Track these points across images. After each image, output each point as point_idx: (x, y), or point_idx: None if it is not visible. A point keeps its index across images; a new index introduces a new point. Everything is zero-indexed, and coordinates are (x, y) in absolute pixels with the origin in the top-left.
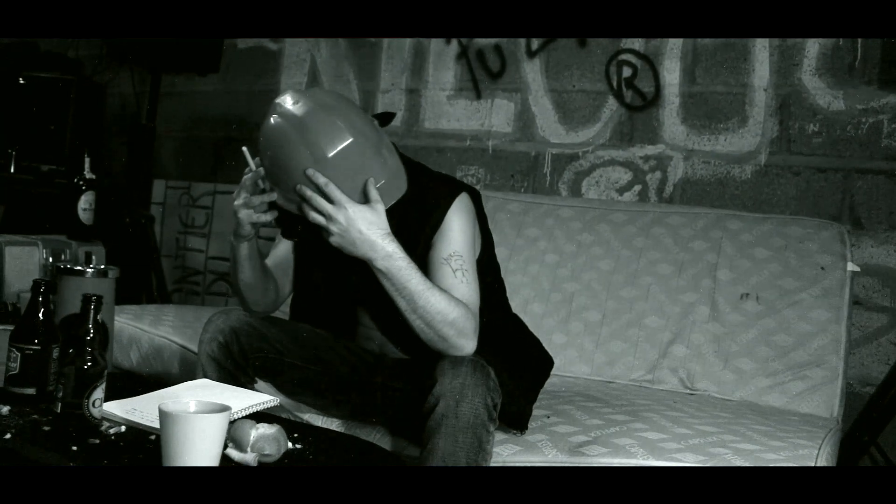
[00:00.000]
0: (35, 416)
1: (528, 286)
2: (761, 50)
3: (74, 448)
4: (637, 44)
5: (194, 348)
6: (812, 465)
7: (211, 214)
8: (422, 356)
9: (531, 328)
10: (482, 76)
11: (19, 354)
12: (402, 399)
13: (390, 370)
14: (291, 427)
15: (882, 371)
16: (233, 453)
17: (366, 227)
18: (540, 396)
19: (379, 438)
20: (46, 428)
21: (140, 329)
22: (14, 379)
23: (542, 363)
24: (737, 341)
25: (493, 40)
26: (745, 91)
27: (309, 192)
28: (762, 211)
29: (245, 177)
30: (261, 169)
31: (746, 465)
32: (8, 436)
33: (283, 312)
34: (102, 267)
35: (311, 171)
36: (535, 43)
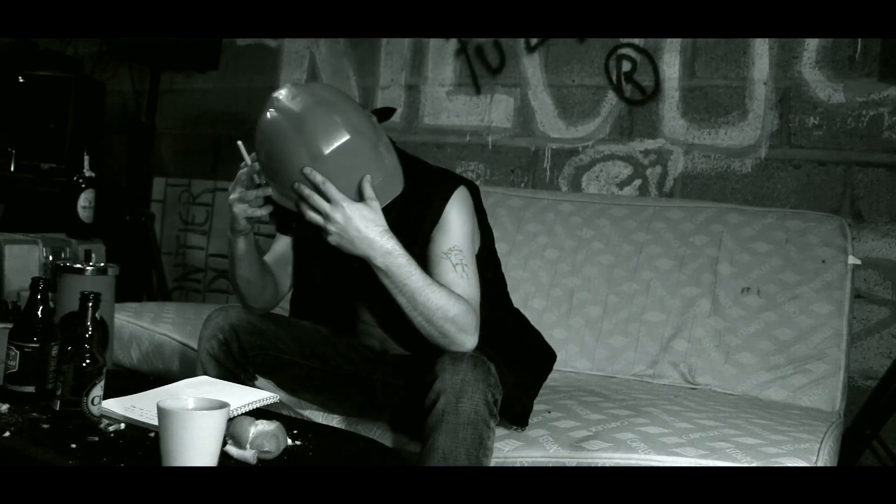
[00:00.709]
0: (34, 414)
1: (529, 281)
2: (761, 43)
3: (73, 446)
4: (636, 38)
5: (195, 345)
6: (814, 458)
7: (211, 212)
8: (422, 352)
9: (532, 323)
10: (481, 71)
11: (18, 352)
12: (403, 395)
13: (391, 366)
14: (291, 423)
15: (884, 364)
16: (232, 450)
17: (364, 226)
18: (541, 392)
19: (379, 434)
20: (45, 426)
21: (140, 327)
22: (13, 377)
23: (543, 358)
24: (738, 335)
25: None
26: (745, 84)
27: (306, 191)
28: (763, 205)
29: (240, 171)
30: (256, 164)
31: (748, 459)
32: (7, 434)
33: (283, 309)
34: (102, 265)
35: (307, 169)
36: (534, 38)
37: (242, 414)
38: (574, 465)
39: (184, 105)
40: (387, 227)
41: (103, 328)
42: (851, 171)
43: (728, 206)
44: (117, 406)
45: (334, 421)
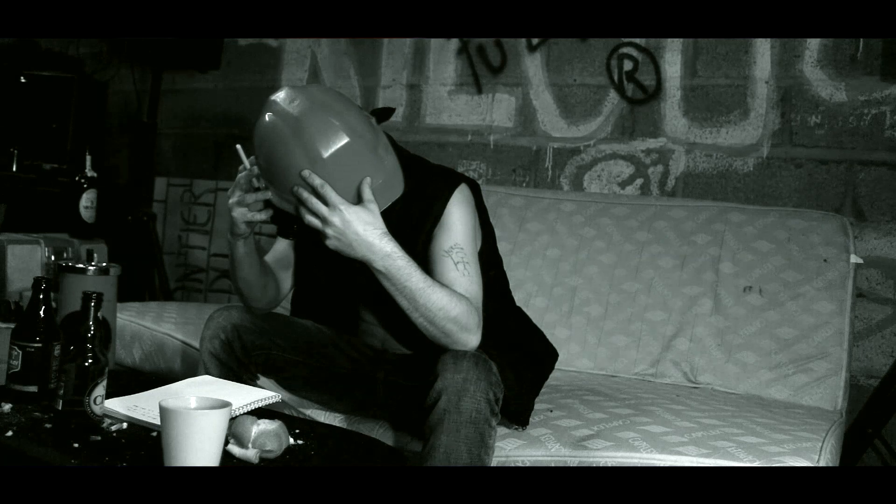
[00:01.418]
0: (37, 414)
1: (531, 280)
2: (762, 42)
3: (76, 445)
4: (638, 38)
5: (197, 345)
6: (816, 457)
7: (213, 211)
8: (424, 351)
9: (534, 322)
10: (483, 71)
11: (21, 352)
12: (405, 394)
13: (392, 365)
14: (293, 423)
15: (886, 363)
16: (234, 449)
17: (362, 229)
18: (542, 391)
19: (381, 433)
20: (48, 425)
21: (142, 326)
22: (16, 377)
23: (545, 356)
24: (740, 334)
25: None
26: (747, 83)
27: (305, 194)
28: (764, 203)
29: (239, 175)
30: (255, 167)
31: (750, 458)
32: (9, 433)
33: (284, 308)
34: (104, 265)
35: (306, 173)
36: (536, 38)
37: (244, 413)
38: (576, 464)
39: (185, 105)
40: (385, 230)
41: (105, 328)
42: (853, 169)
43: (730, 205)
44: (120, 405)
45: (336, 420)
